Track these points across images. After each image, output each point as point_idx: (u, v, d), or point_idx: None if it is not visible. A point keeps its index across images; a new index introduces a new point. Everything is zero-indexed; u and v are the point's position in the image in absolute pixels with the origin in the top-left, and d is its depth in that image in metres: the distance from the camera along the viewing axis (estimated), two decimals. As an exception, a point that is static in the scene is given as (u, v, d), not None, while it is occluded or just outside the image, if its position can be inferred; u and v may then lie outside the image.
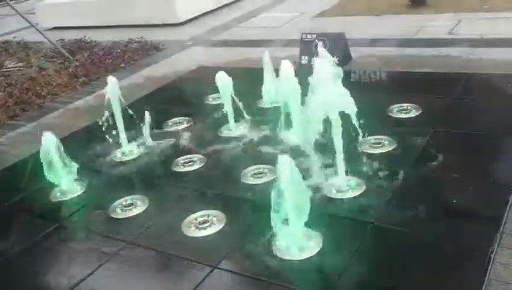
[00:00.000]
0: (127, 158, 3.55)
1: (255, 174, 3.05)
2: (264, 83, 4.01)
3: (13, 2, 7.58)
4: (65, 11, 8.40)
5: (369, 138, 3.19)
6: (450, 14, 5.83)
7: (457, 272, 2.13)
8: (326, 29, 5.33)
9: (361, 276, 2.19)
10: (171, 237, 2.62)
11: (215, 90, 3.70)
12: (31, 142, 4.13)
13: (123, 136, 3.61)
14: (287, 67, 3.22)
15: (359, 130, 2.62)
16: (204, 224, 2.65)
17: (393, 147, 3.13)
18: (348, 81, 4.47)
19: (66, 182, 3.22)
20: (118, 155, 3.60)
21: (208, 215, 2.70)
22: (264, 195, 2.55)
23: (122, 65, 6.03)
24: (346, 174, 2.83)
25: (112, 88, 3.48)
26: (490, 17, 5.56)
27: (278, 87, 3.45)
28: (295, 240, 2.34)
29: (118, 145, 3.61)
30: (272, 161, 2.72)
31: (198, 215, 2.71)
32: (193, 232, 2.61)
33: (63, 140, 3.97)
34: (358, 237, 2.41)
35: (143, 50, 6.45)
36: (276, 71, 3.55)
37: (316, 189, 2.75)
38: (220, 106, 3.78)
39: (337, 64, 2.83)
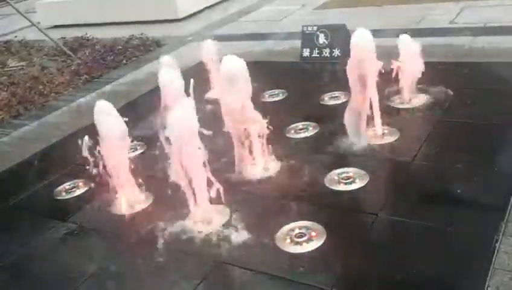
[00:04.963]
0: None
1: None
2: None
3: (14, 1, 7.57)
4: (66, 9, 8.39)
5: (371, 128, 3.20)
6: (452, 3, 5.79)
7: (462, 261, 2.12)
8: (328, 21, 5.30)
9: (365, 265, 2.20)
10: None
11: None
12: (34, 141, 4.15)
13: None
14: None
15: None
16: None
17: (396, 137, 3.13)
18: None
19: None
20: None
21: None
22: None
23: (124, 62, 6.03)
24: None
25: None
26: (493, 4, 5.51)
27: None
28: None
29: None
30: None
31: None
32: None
33: (67, 138, 4.05)
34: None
35: (144, 46, 6.44)
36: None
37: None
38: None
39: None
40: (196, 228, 2.60)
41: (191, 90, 2.52)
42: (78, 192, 3.21)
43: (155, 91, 3.36)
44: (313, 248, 2.32)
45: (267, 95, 4.12)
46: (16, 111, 4.92)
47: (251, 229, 2.55)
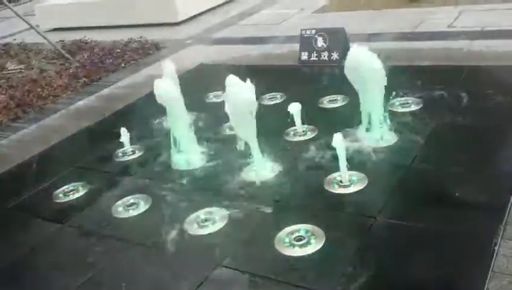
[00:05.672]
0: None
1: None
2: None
3: (13, 4, 7.57)
4: (64, 12, 8.39)
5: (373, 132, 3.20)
6: (450, 7, 5.81)
7: (460, 265, 2.12)
8: (326, 24, 5.31)
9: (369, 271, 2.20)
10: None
11: (216, 86, 3.70)
12: (33, 144, 4.15)
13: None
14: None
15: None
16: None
17: (395, 139, 3.13)
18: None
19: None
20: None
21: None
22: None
23: (123, 65, 6.02)
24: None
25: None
26: (490, 8, 5.54)
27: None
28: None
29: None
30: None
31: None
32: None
33: (66, 140, 4.06)
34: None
35: (143, 49, 6.44)
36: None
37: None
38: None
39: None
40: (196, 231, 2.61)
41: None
42: (77, 195, 3.20)
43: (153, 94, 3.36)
44: (312, 251, 2.32)
45: (266, 98, 4.12)
46: (14, 114, 4.92)
47: (250, 232, 2.55)
